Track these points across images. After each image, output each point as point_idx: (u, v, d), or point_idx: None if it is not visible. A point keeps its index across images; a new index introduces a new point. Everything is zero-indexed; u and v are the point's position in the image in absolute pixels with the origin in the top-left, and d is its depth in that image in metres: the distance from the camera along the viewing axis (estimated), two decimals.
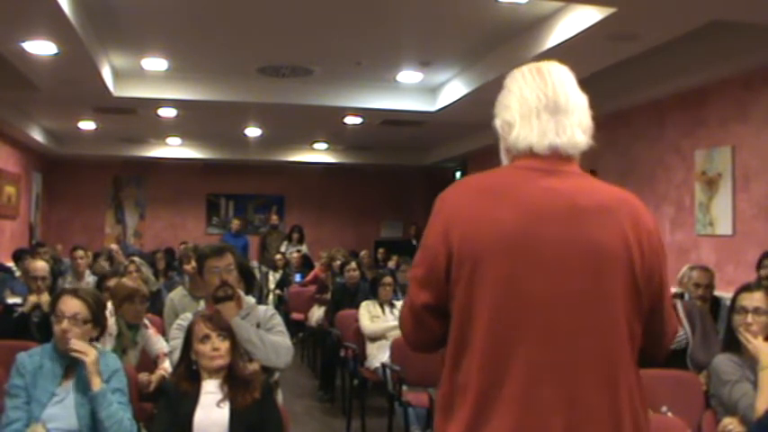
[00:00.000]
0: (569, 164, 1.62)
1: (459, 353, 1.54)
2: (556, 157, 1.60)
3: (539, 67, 1.67)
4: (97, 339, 3.07)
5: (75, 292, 3.02)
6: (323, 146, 13.38)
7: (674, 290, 5.00)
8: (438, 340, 1.62)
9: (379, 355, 5.39)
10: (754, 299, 3.05)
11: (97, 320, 3.00)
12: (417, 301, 1.61)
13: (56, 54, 6.17)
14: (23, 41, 5.86)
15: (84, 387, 2.84)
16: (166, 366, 3.66)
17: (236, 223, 12.13)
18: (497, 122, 1.68)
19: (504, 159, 1.70)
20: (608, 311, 1.51)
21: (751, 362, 2.95)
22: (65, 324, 2.88)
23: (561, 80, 1.65)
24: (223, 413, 2.80)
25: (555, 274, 1.50)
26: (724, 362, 2.99)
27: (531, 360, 1.48)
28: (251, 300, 3.51)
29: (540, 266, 1.51)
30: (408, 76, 8.06)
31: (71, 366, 2.88)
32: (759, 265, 5.14)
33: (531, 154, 1.60)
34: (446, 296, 1.57)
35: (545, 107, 1.61)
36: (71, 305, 2.92)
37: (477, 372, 1.50)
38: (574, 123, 1.62)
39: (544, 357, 1.48)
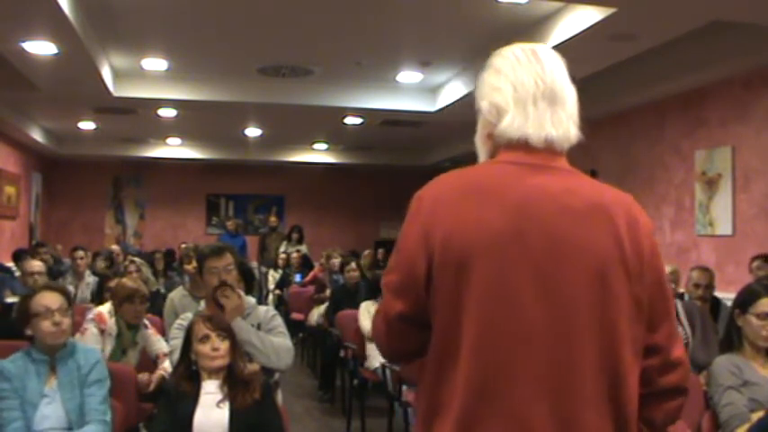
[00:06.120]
0: (560, 159, 1.48)
1: (442, 367, 1.40)
2: (549, 150, 1.45)
3: (533, 50, 1.50)
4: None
5: (50, 287, 3.07)
6: (323, 146, 13.37)
7: None
8: (415, 351, 1.48)
9: (378, 356, 5.39)
10: None
11: (71, 309, 3.04)
12: (392, 311, 1.46)
13: (56, 54, 6.17)
14: (23, 41, 5.86)
15: (69, 382, 2.88)
16: (166, 366, 3.66)
17: (231, 223, 12.27)
18: (483, 105, 1.51)
19: (482, 147, 1.54)
20: (606, 320, 1.38)
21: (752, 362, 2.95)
22: (57, 317, 2.90)
23: (557, 67, 1.50)
24: (223, 413, 2.80)
25: (547, 281, 1.37)
26: (723, 365, 2.97)
27: (522, 374, 1.35)
28: (251, 300, 3.51)
29: (530, 272, 1.37)
30: (408, 76, 8.06)
31: (54, 364, 2.91)
32: (752, 267, 5.22)
33: (522, 146, 1.45)
34: (424, 305, 1.42)
35: (542, 95, 1.45)
36: (54, 299, 2.95)
37: (463, 387, 1.36)
38: (569, 116, 1.47)
39: (535, 371, 1.35)
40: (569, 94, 1.49)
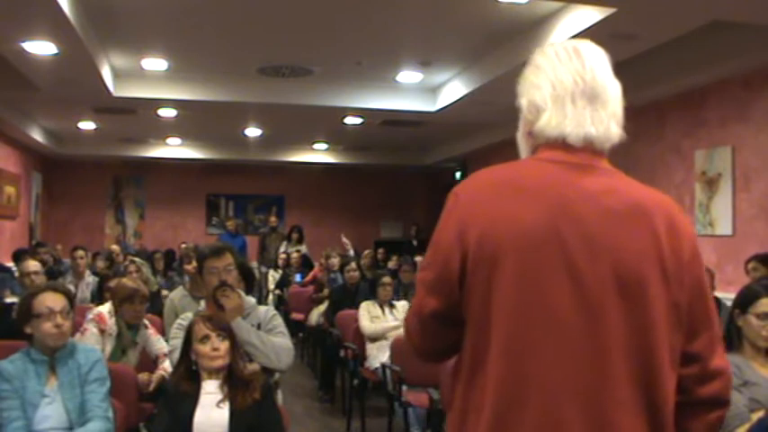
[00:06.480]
0: (600, 159, 1.45)
1: (474, 368, 1.37)
2: (589, 150, 1.43)
3: (575, 47, 1.47)
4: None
5: (54, 288, 3.04)
6: (323, 146, 13.38)
7: None
8: (448, 349, 1.47)
9: (379, 356, 5.39)
10: None
11: (72, 312, 3.04)
12: (426, 308, 1.44)
13: (56, 54, 6.17)
14: (23, 41, 5.87)
15: (69, 382, 2.87)
16: (166, 366, 3.66)
17: (231, 223, 12.28)
18: (522, 102, 1.48)
19: (523, 144, 1.52)
20: (642, 323, 1.34)
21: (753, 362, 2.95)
22: (59, 319, 2.89)
23: (600, 64, 1.46)
24: (223, 413, 2.79)
25: (581, 282, 1.33)
26: None
27: (553, 377, 1.32)
28: (251, 300, 3.51)
29: (565, 272, 1.33)
30: (408, 76, 8.06)
31: (53, 364, 2.91)
32: (749, 268, 5.24)
33: (561, 144, 1.42)
34: (458, 302, 1.40)
35: (582, 93, 1.42)
36: (58, 300, 2.94)
37: (493, 391, 1.34)
38: (610, 114, 1.45)
39: (566, 373, 1.32)
40: (612, 93, 1.47)
